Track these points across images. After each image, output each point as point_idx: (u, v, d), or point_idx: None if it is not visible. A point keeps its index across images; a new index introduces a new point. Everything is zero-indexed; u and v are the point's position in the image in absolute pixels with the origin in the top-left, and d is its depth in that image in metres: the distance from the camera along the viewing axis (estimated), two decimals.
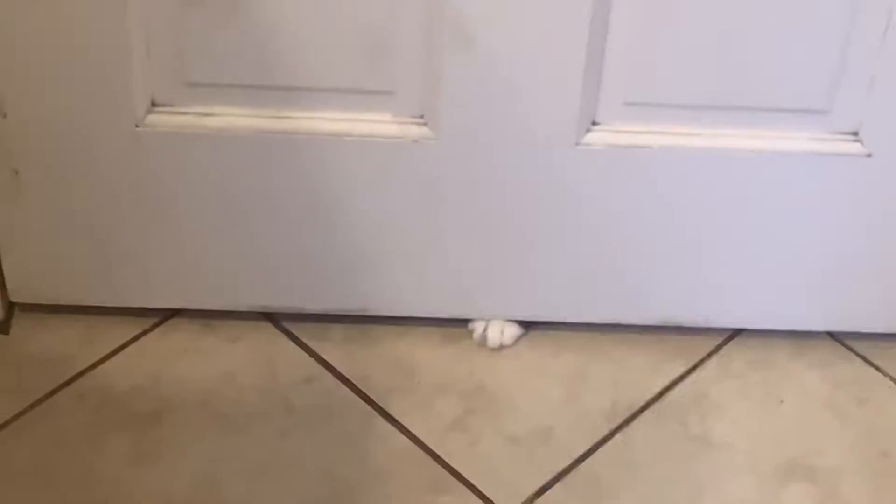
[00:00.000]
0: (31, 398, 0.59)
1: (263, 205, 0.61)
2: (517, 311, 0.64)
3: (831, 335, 0.64)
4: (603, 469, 0.58)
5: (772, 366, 0.63)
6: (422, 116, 0.59)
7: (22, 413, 0.59)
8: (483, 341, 0.64)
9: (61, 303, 0.63)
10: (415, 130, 0.59)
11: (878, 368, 0.64)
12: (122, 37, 0.54)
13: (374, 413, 0.60)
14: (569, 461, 0.59)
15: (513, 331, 0.65)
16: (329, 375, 0.61)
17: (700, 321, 0.64)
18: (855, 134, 0.59)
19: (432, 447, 0.59)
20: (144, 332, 0.62)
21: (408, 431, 0.60)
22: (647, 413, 0.60)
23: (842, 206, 0.62)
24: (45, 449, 0.58)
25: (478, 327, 0.64)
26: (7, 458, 0.57)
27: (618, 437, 0.59)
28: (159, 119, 0.58)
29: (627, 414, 0.60)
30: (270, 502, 0.57)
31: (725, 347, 0.63)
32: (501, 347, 0.64)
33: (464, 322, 0.64)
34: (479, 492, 0.58)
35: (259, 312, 0.63)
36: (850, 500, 0.58)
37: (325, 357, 0.62)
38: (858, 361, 0.63)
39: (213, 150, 0.59)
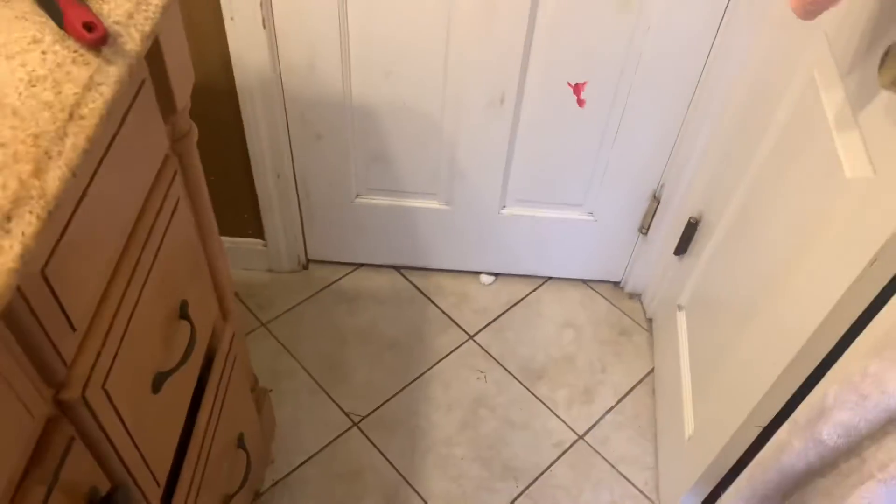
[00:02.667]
0: (315, 290, 1.79)
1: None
2: (492, 268, 1.81)
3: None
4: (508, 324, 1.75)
5: None
6: (437, 194, 1.74)
7: (312, 296, 1.78)
8: (484, 281, 1.81)
9: (332, 259, 1.82)
10: (435, 205, 1.74)
11: None
12: None
13: (430, 303, 1.77)
14: (488, 320, 1.75)
15: (491, 278, 1.81)
16: (414, 289, 1.79)
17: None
18: (592, 214, 1.72)
19: (450, 315, 1.76)
20: (356, 268, 1.81)
21: (440, 308, 1.76)
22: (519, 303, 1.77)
23: (583, 235, 1.75)
24: (319, 311, 1.77)
25: (483, 278, 1.81)
26: (305, 317, 1.76)
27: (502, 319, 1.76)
28: None
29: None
30: (377, 342, 1.75)
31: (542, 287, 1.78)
32: (488, 285, 1.81)
33: (470, 272, 1.82)
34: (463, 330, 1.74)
35: (390, 265, 1.82)
36: None
37: (413, 281, 1.80)
38: None
39: None
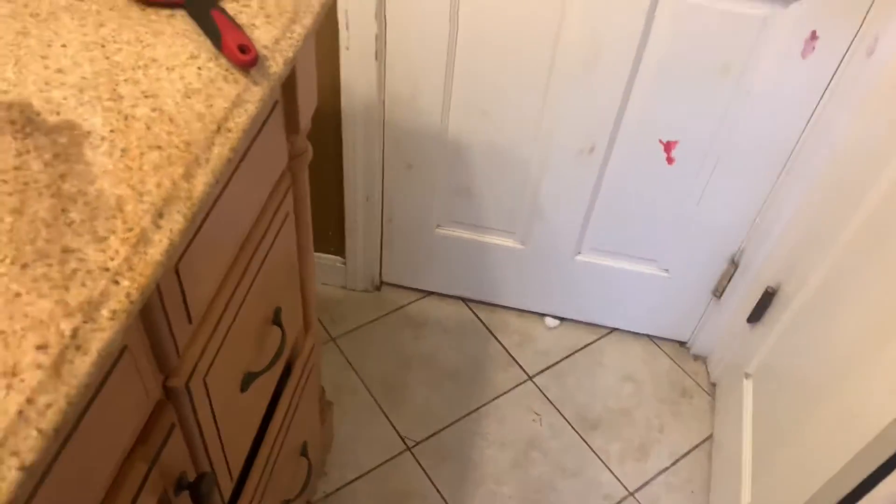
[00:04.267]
0: (384, 311, 1.83)
1: None
2: (558, 312, 1.82)
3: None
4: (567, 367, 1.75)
5: None
6: (515, 233, 1.77)
7: (382, 317, 1.82)
8: (549, 324, 1.82)
9: (404, 284, 1.87)
10: (511, 244, 1.77)
11: None
12: None
13: (493, 339, 1.80)
14: (548, 363, 1.76)
15: (556, 321, 1.83)
16: (479, 323, 1.82)
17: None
18: (667, 271, 1.72)
19: (513, 353, 1.77)
20: (426, 296, 1.85)
21: (503, 346, 1.78)
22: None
23: (654, 291, 1.75)
24: (386, 333, 1.81)
25: (548, 320, 1.83)
26: (372, 336, 1.81)
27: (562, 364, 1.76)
28: None
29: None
30: (438, 370, 1.77)
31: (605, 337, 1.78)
32: (553, 329, 1.82)
33: (537, 313, 1.84)
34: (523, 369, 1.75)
35: (458, 297, 1.85)
36: None
37: (479, 315, 1.83)
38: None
39: None
